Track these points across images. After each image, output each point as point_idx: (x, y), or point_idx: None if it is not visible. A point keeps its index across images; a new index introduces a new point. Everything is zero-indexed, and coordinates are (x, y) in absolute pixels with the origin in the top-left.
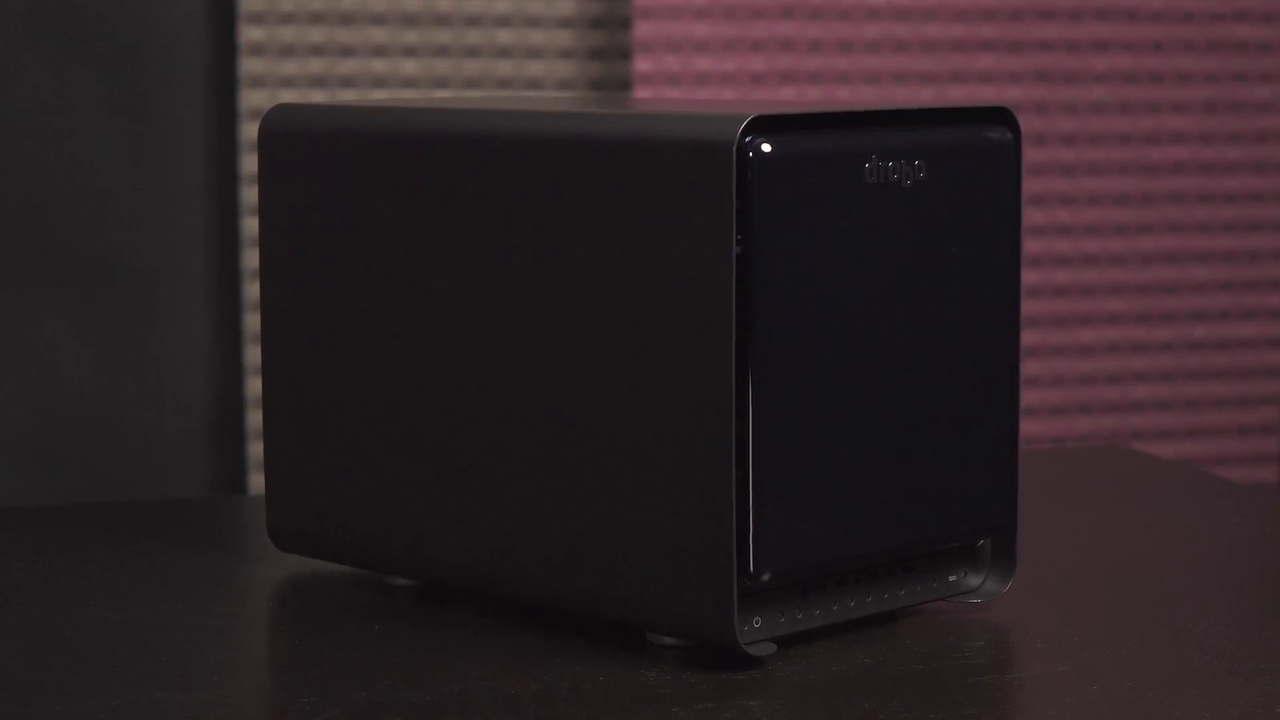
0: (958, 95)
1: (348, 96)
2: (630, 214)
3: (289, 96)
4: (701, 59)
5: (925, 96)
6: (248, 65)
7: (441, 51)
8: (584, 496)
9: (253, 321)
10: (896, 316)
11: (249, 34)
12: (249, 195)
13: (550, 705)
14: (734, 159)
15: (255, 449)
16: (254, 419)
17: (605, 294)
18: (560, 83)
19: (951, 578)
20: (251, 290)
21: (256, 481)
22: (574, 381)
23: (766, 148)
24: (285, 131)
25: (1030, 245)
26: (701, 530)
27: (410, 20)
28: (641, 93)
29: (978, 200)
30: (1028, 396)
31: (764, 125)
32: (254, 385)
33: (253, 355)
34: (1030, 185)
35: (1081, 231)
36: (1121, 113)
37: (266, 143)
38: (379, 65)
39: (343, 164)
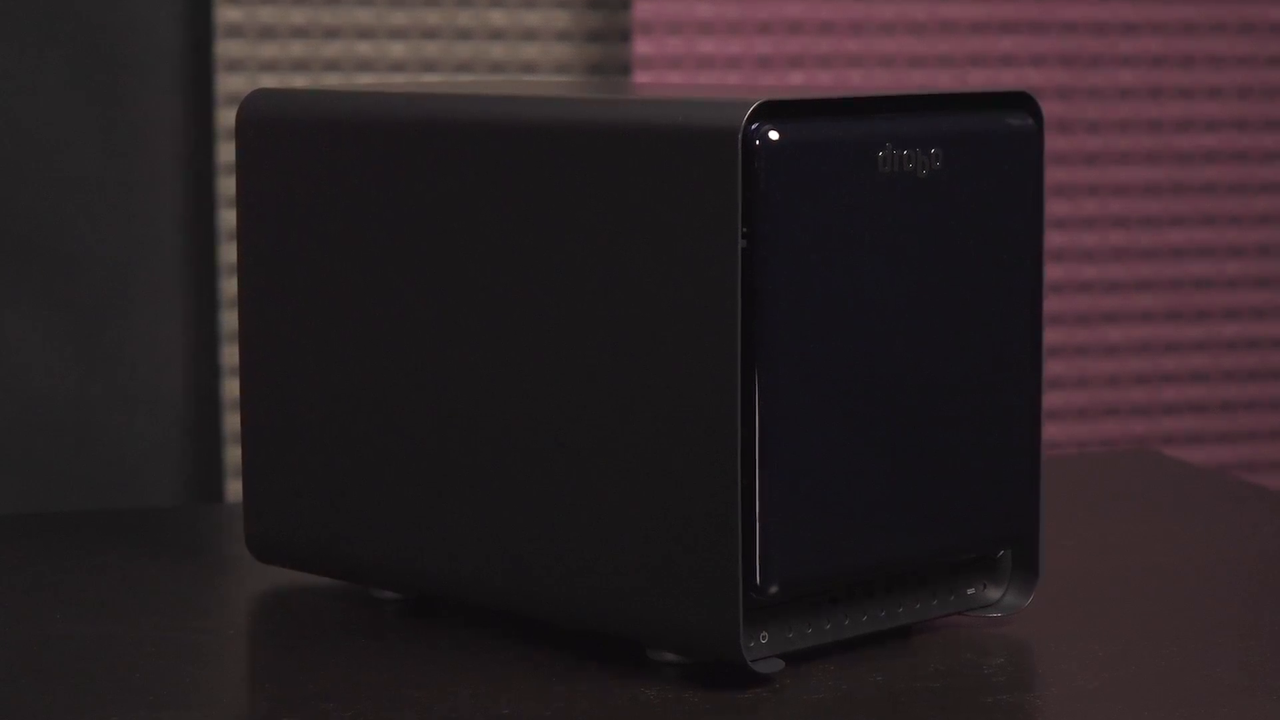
0: (977, 80)
1: (331, 81)
2: (629, 206)
3: (269, 81)
4: (705, 41)
5: (942, 81)
6: (225, 48)
7: (431, 34)
8: (580, 504)
9: (230, 319)
10: (911, 314)
11: (226, 15)
12: (226, 186)
13: None
14: (739, 147)
15: (233, 453)
16: (231, 422)
17: (602, 291)
18: (556, 66)
19: (970, 590)
20: (229, 286)
21: (234, 488)
22: (570, 382)
23: (774, 135)
24: (265, 118)
25: (1054, 239)
26: (705, 540)
27: (397, 0)
28: (642, 77)
29: (998, 191)
30: (1051, 399)
31: (771, 111)
32: (231, 386)
33: (230, 355)
34: (1054, 175)
35: (1108, 224)
36: (1150, 98)
37: (245, 130)
38: (364, 48)
39: (326, 153)
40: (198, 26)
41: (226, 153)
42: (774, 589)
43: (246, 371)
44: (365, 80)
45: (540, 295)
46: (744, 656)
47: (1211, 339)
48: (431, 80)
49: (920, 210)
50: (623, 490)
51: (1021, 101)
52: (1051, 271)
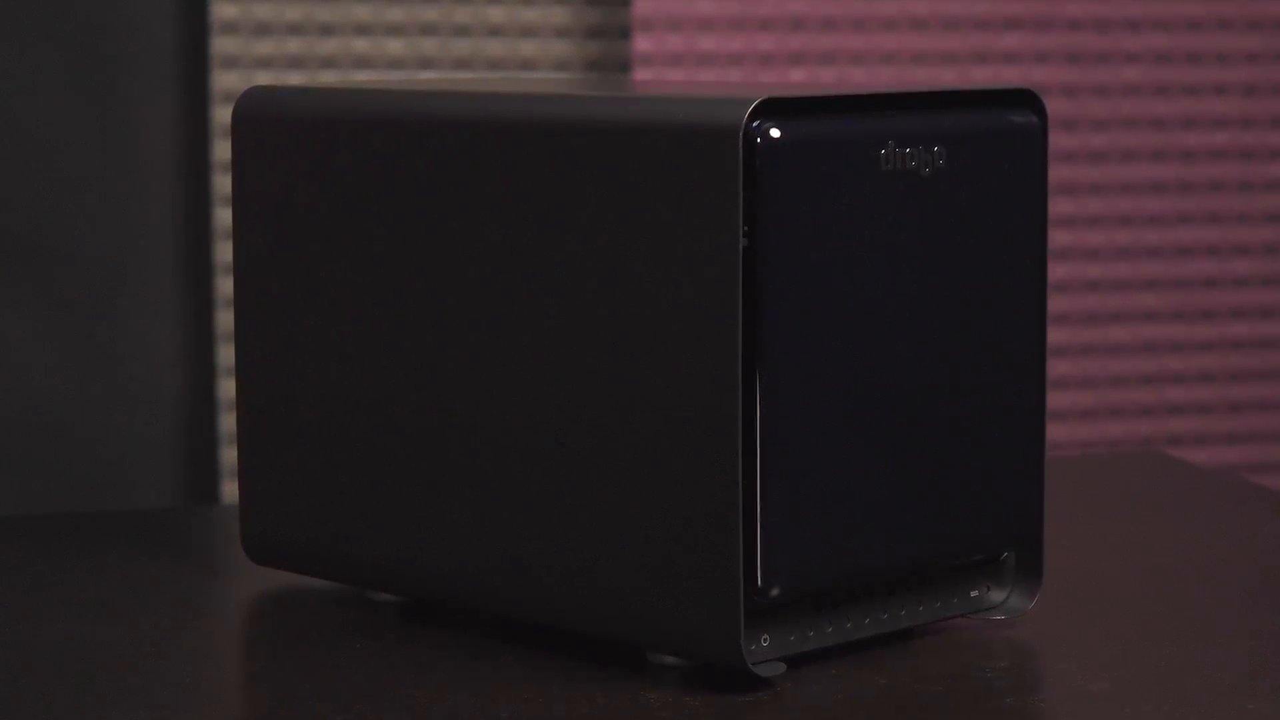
0: (980, 77)
1: (327, 78)
2: (629, 205)
3: (264, 78)
4: (706, 38)
5: (945, 78)
6: (220, 44)
7: (428, 30)
8: (579, 506)
9: (226, 318)
10: (914, 314)
11: (221, 11)
12: (222, 184)
13: None
14: (740, 145)
15: (229, 454)
16: (228, 422)
17: (602, 291)
18: (555, 63)
19: (973, 593)
20: (225, 285)
21: (230, 489)
22: (569, 384)
23: (775, 133)
24: (260, 116)
25: (1059, 237)
26: (706, 542)
27: None
28: (642, 74)
29: (1001, 189)
30: (1056, 399)
31: (773, 109)
32: (227, 386)
33: (226, 354)
34: (1058, 173)
35: (1114, 222)
36: (1156, 96)
37: (240, 128)
38: (361, 45)
39: (322, 151)
40: (193, 23)
41: (222, 150)
42: (775, 591)
43: (243, 371)
44: (362, 77)
45: (539, 294)
46: (745, 659)
47: (1217, 339)
48: (429, 77)
49: (923, 209)
50: (623, 491)
51: (1025, 99)
52: (1055, 270)
